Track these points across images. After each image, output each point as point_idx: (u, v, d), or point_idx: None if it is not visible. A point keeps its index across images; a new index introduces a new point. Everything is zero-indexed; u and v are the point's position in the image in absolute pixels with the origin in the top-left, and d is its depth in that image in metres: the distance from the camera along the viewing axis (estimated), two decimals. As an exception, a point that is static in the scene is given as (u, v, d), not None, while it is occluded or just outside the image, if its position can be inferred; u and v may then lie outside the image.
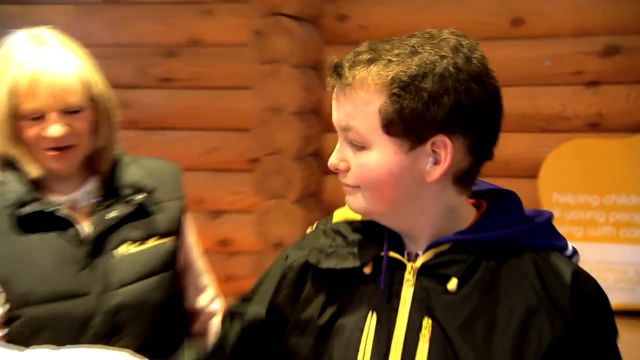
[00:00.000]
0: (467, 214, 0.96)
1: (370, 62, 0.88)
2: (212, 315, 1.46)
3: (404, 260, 0.95)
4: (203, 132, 2.88)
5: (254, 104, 2.57)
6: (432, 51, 0.86)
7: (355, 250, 0.99)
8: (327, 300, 1.00)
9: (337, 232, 1.03)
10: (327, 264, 0.99)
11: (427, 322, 0.90)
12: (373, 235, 0.99)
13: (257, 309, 1.08)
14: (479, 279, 0.90)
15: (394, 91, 0.85)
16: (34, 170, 1.36)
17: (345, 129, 0.91)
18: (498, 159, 2.51)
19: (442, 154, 0.87)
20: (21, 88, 1.29)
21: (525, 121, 2.47)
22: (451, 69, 0.85)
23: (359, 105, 0.88)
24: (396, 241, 0.97)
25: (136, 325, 1.35)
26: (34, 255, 1.35)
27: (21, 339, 1.32)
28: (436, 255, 0.92)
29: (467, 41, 0.90)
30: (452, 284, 0.89)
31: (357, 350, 0.94)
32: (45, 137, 1.31)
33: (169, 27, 2.89)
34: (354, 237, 1.01)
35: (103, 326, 1.34)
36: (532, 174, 2.42)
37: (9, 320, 1.33)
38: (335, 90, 0.92)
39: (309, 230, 1.11)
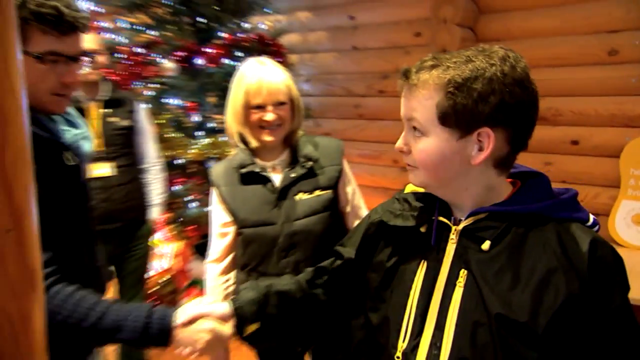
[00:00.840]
0: (503, 190, 0.95)
1: (432, 67, 0.88)
2: None
3: (450, 223, 0.96)
4: (400, 122, 2.98)
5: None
6: (483, 60, 0.86)
7: (416, 214, 1.00)
8: (393, 248, 1.03)
9: (405, 200, 1.05)
10: (394, 222, 1.02)
11: (463, 273, 0.91)
12: (429, 203, 1.00)
13: (349, 252, 1.13)
14: (508, 242, 0.88)
15: (450, 90, 0.85)
16: (254, 142, 1.57)
17: (410, 119, 0.91)
18: (594, 144, 3.00)
19: (486, 143, 0.87)
20: (251, 89, 1.49)
21: (614, 119, 2.72)
22: (499, 74, 0.84)
23: (421, 100, 0.88)
24: (445, 209, 0.98)
25: (305, 244, 1.54)
26: (249, 198, 1.56)
27: (242, 247, 1.59)
28: (475, 222, 0.92)
29: (513, 54, 0.88)
30: (486, 245, 0.89)
31: (410, 287, 0.96)
32: (264, 120, 1.51)
33: (384, 62, 3.48)
34: (416, 204, 1.02)
35: (284, 244, 1.54)
36: (616, 154, 2.70)
37: (237, 235, 1.58)
38: (404, 90, 0.92)
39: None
